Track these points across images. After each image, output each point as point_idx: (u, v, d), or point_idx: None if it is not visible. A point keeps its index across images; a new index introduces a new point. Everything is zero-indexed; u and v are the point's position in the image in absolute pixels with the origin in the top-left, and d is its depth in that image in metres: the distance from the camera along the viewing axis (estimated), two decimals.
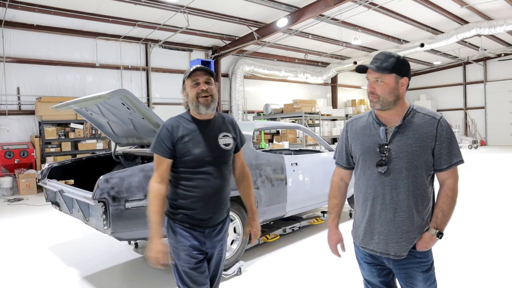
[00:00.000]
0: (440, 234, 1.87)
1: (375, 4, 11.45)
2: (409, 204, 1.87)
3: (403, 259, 1.91)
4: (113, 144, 4.91)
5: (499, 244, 4.70)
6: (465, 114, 22.11)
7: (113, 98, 3.29)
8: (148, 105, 13.58)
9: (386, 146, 1.89)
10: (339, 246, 2.18)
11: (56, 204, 4.23)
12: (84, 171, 4.82)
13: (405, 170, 1.86)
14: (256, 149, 7.92)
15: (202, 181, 2.20)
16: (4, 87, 10.78)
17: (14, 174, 10.27)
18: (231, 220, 4.02)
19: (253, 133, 4.54)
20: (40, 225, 6.47)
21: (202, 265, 2.26)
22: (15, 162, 10.28)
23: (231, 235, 4.03)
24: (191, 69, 2.21)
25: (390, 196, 1.90)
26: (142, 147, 5.23)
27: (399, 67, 1.87)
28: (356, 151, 2.04)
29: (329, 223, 2.21)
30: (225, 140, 2.29)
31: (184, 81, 2.25)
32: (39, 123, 10.91)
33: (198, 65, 2.24)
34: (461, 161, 1.88)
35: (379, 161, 1.90)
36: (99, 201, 3.03)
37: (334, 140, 18.47)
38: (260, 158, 4.25)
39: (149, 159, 4.76)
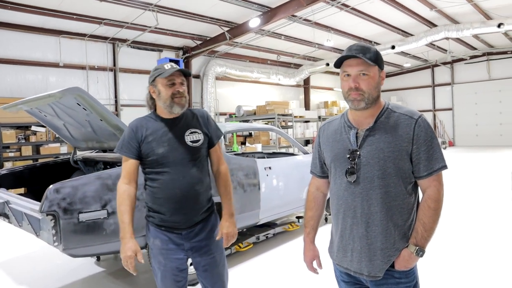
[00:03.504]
0: (420, 252, 1.62)
1: (347, 6, 11.42)
2: (383, 218, 1.64)
3: (381, 279, 1.67)
4: (69, 148, 4.51)
5: (482, 250, 4.63)
6: (434, 116, 22.62)
7: (66, 98, 2.95)
8: (116, 107, 13.06)
9: (356, 152, 1.67)
10: (315, 262, 1.96)
11: (4, 215, 3.80)
12: (38, 179, 4.40)
13: (377, 178, 1.63)
14: (228, 152, 7.64)
15: (167, 182, 2.12)
16: None
17: None
18: None
19: (224, 135, 4.27)
20: None
21: (178, 273, 2.20)
22: None
23: None
24: (168, 69, 2.10)
25: (361, 208, 1.67)
26: (105, 151, 4.86)
27: (380, 58, 1.68)
28: (327, 157, 1.83)
29: (304, 238, 1.99)
30: (192, 137, 2.18)
31: (155, 78, 2.13)
32: None
33: (175, 65, 2.13)
34: (444, 167, 1.65)
35: (348, 169, 1.68)
36: (47, 214, 2.68)
37: (307, 142, 18.40)
38: (231, 162, 3.98)
39: (112, 164, 4.40)
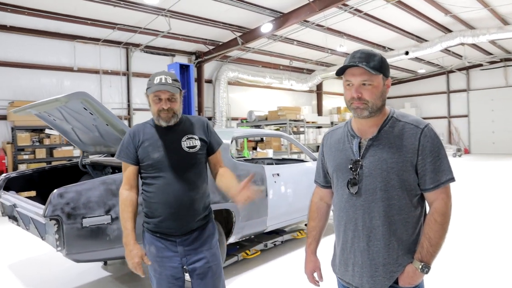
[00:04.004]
0: (425, 268, 1.54)
1: (360, 11, 11.33)
2: (385, 232, 1.57)
3: None
4: (80, 152, 4.54)
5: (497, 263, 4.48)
6: (449, 123, 22.24)
7: (72, 102, 2.95)
8: (129, 112, 13.17)
9: (358, 162, 1.60)
10: (316, 274, 1.90)
11: (13, 218, 3.83)
12: (47, 182, 4.42)
13: (380, 190, 1.56)
14: (238, 157, 7.58)
15: (163, 187, 2.11)
16: None
17: None
18: None
19: (232, 141, 4.23)
20: (4, 239, 6.00)
21: (173, 281, 2.15)
22: None
23: None
24: (155, 85, 2.08)
25: (362, 221, 1.61)
26: (113, 155, 4.88)
27: (385, 66, 1.60)
28: (329, 167, 1.78)
29: (306, 248, 1.94)
30: (189, 143, 2.17)
31: (146, 89, 2.14)
32: (12, 128, 10.39)
33: (165, 79, 2.08)
34: (451, 179, 1.56)
35: (349, 180, 1.62)
36: (51, 219, 2.67)
37: (319, 148, 18.26)
38: (238, 168, 3.93)
39: (120, 169, 4.40)
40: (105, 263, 4.62)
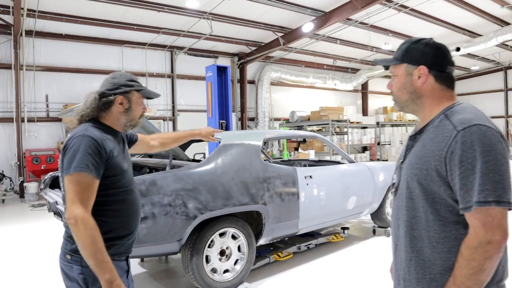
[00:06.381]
0: None
1: (405, 7, 10.89)
2: (407, 245, 1.37)
3: None
4: None
5: None
6: (506, 123, 20.77)
7: None
8: (173, 113, 13.58)
9: (400, 163, 1.50)
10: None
11: (58, 214, 4.07)
12: None
13: (405, 198, 1.39)
14: (277, 158, 7.54)
15: (135, 200, 1.89)
16: (33, 94, 11.09)
17: (41, 180, 10.45)
18: (235, 238, 3.71)
19: (264, 142, 4.22)
20: (53, 232, 6.40)
21: None
22: (42, 168, 10.46)
23: (234, 255, 3.71)
24: (144, 87, 1.95)
25: (394, 227, 1.49)
26: (151, 156, 5.05)
27: (412, 53, 1.39)
28: None
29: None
30: (128, 150, 2.06)
31: (132, 90, 1.89)
32: (66, 130, 11.09)
33: (147, 86, 2.07)
34: (490, 203, 1.15)
35: (393, 182, 1.55)
36: None
37: (364, 149, 17.80)
38: (269, 170, 3.91)
39: (157, 169, 4.54)
40: (142, 260, 4.78)
